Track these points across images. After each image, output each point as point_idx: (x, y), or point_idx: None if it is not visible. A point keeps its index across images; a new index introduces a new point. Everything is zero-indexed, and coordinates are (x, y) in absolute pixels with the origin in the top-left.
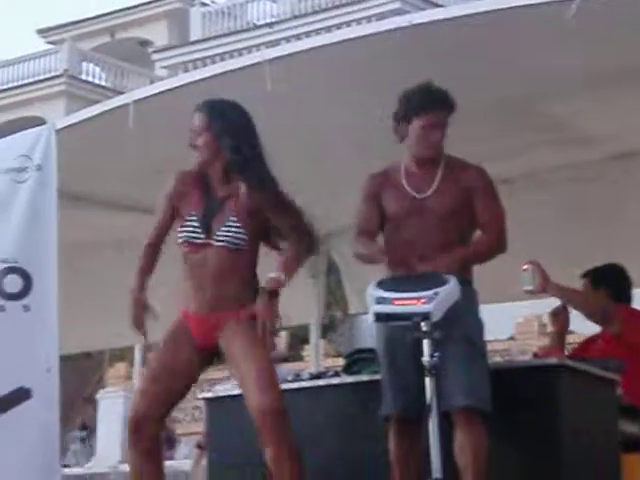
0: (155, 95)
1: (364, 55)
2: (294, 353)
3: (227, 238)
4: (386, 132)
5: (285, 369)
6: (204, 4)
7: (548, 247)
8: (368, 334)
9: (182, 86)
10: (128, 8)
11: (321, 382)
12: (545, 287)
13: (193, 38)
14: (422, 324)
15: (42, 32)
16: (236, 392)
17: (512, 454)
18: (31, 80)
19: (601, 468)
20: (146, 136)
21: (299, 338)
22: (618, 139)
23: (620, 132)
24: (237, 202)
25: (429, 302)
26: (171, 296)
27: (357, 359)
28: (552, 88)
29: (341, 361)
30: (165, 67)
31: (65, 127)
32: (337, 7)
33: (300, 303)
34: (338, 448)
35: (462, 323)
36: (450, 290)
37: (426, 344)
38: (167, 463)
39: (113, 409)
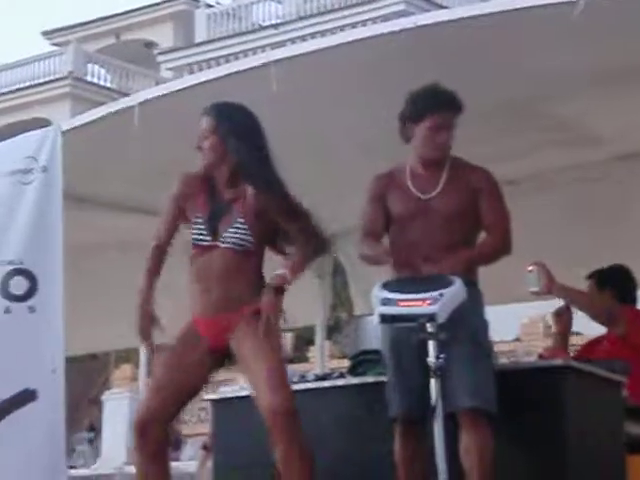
0: (160, 97)
1: (369, 56)
2: (299, 354)
3: (234, 239)
4: (392, 133)
5: (290, 370)
6: (209, 6)
7: (553, 248)
8: (373, 335)
9: (187, 88)
10: (133, 10)
11: (326, 383)
12: (550, 288)
13: (198, 40)
14: (427, 325)
15: (47, 34)
16: (242, 393)
17: (518, 455)
18: (36, 82)
19: (606, 469)
20: (151, 138)
21: (304, 339)
22: (624, 139)
23: (626, 132)
24: (244, 204)
25: (434, 303)
26: (178, 303)
27: (362, 360)
28: (557, 89)
29: (346, 362)
30: (170, 69)
31: (70, 129)
32: (342, 9)
33: (306, 304)
34: (343, 449)
35: (467, 324)
36: (455, 291)
37: (431, 345)
38: (173, 464)
39: (118, 410)
